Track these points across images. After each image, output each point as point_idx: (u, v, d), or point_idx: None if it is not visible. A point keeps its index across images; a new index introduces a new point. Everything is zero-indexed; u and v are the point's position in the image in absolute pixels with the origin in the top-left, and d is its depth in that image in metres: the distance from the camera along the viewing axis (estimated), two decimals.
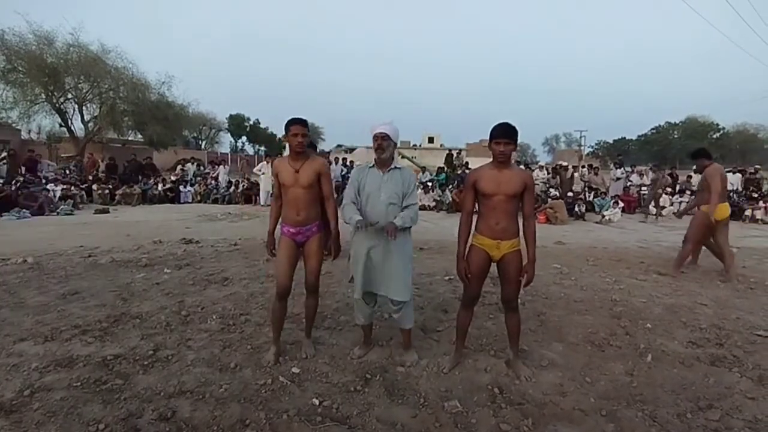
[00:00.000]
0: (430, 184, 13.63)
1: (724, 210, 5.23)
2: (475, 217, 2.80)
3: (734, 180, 14.49)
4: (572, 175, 14.30)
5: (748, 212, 12.32)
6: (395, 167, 2.86)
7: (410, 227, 2.87)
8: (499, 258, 2.72)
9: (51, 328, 3.37)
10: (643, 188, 14.20)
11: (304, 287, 3.05)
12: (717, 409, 2.48)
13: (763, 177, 15.19)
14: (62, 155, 20.46)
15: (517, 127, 2.61)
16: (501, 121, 2.61)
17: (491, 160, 2.70)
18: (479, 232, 2.76)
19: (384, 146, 2.79)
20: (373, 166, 2.89)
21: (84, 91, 19.33)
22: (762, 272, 5.87)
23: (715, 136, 48.30)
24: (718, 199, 5.14)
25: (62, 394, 2.48)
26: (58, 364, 2.83)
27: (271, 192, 3.09)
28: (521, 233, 2.75)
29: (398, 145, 2.90)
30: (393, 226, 2.68)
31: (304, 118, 2.87)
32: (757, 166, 16.21)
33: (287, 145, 2.95)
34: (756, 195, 13.17)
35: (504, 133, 2.58)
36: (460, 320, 2.94)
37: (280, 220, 3.02)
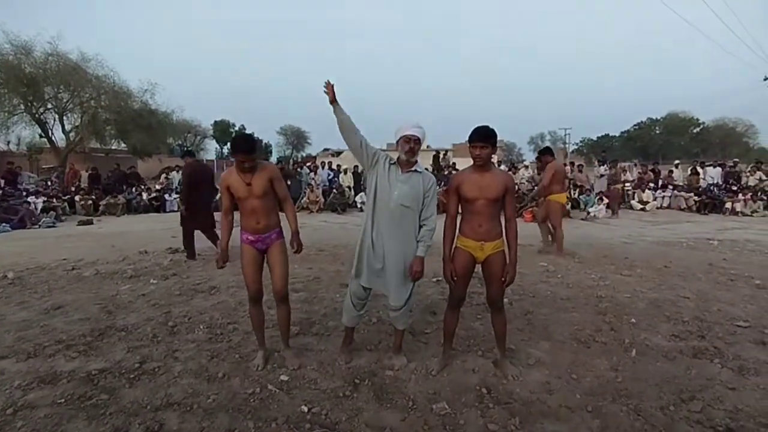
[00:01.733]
0: None
1: (563, 198, 6.45)
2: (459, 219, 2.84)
3: (714, 174, 14.84)
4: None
5: (728, 205, 12.60)
6: (416, 170, 2.82)
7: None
8: (484, 259, 2.75)
9: (33, 345, 3.32)
10: (626, 184, 14.44)
11: (274, 297, 2.99)
12: (699, 401, 2.54)
13: (742, 170, 15.53)
14: (43, 166, 20.10)
15: (495, 130, 2.63)
16: (479, 125, 2.64)
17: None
18: (463, 235, 2.79)
19: (416, 150, 2.78)
20: (395, 163, 2.85)
21: (64, 100, 19.02)
22: (742, 264, 6.00)
23: (695, 131, 49.23)
24: (546, 188, 6.41)
25: (46, 411, 2.44)
26: (41, 380, 2.78)
27: None
28: (504, 234, 2.78)
29: (420, 148, 2.86)
30: (419, 262, 2.78)
31: (250, 141, 2.75)
32: (735, 160, 16.59)
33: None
34: (735, 188, 13.46)
35: (480, 137, 2.61)
36: (446, 322, 2.96)
37: (240, 228, 2.97)
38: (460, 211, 2.82)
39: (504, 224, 2.78)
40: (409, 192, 2.77)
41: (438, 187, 13.23)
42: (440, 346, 3.13)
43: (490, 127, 2.64)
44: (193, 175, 6.31)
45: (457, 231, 2.84)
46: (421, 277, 2.84)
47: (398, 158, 2.83)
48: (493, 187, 2.65)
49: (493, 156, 2.74)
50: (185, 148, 7.86)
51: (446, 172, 14.68)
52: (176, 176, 16.44)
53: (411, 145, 2.75)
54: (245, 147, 2.72)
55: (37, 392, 2.65)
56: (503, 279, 2.74)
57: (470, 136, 2.64)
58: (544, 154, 6.75)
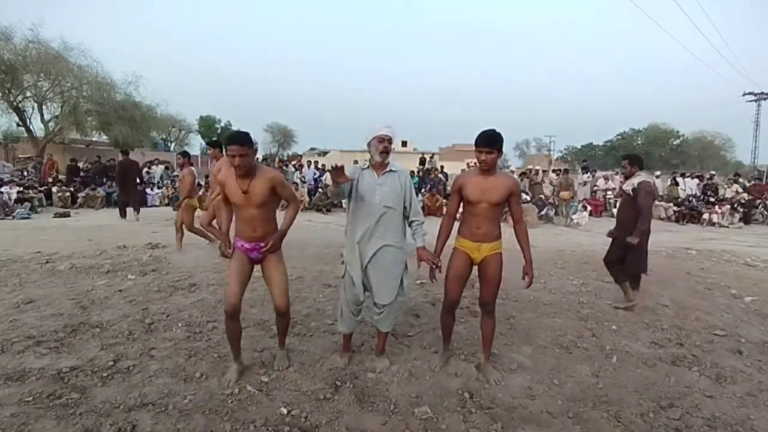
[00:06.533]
0: None
1: (195, 202, 6.64)
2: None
3: (692, 185, 15.19)
4: (542, 180, 14.66)
5: (705, 216, 12.90)
6: (390, 170, 2.80)
7: (403, 232, 2.90)
8: (480, 260, 2.75)
9: (2, 340, 3.18)
10: (608, 192, 14.68)
11: (275, 311, 2.82)
12: (677, 408, 2.57)
13: (719, 183, 15.93)
14: (20, 156, 19.54)
15: (501, 134, 2.61)
16: (485, 129, 2.61)
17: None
18: (461, 235, 2.80)
19: (389, 150, 2.76)
20: (368, 167, 2.82)
21: (44, 89, 18.52)
22: (718, 274, 6.13)
23: (675, 143, 50.26)
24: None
25: (12, 410, 2.34)
26: (8, 378, 2.67)
27: None
28: (502, 237, 2.79)
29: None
30: (422, 251, 2.80)
31: (245, 133, 2.57)
32: (712, 172, 17.02)
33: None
34: (713, 200, 13.80)
35: (485, 142, 2.58)
36: (443, 323, 2.98)
37: (234, 233, 2.77)
38: (459, 210, 2.82)
39: (513, 227, 2.80)
40: (389, 193, 2.77)
41: (425, 191, 13.18)
42: (423, 349, 3.14)
43: (497, 131, 2.62)
44: (120, 167, 10.43)
45: (456, 232, 2.84)
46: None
47: (370, 160, 2.81)
48: (497, 192, 2.64)
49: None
50: (122, 147, 9.15)
51: (432, 176, 14.70)
52: (158, 170, 16.18)
53: (385, 144, 2.74)
54: (237, 139, 2.50)
55: (3, 390, 2.54)
56: (524, 279, 2.78)
57: (476, 141, 2.61)
58: (186, 156, 7.29)
